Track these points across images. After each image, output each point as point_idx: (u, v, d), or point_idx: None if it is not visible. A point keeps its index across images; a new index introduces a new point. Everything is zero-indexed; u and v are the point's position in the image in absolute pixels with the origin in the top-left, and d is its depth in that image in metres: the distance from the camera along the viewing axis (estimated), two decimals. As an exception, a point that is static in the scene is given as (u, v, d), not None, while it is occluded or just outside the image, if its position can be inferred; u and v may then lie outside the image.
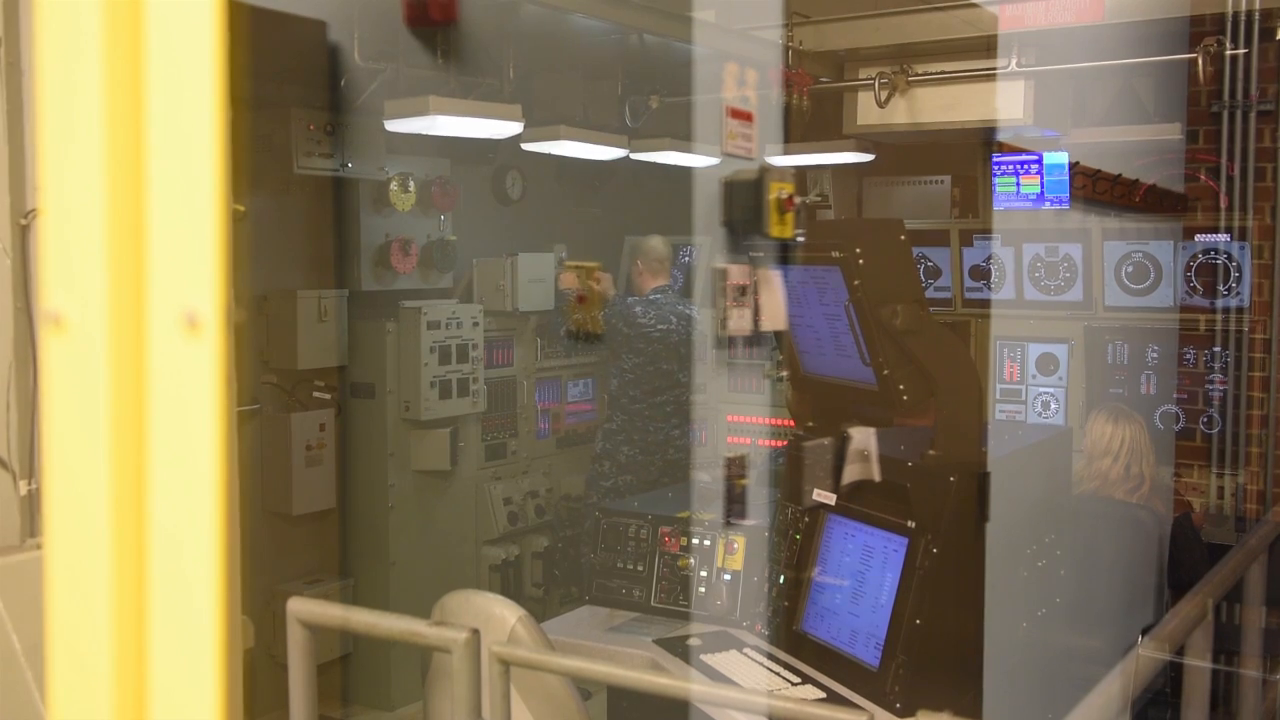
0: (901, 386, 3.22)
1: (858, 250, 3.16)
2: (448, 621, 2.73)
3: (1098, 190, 4.66)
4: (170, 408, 0.76)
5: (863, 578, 3.35)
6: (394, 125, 4.26)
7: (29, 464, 2.89)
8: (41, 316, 0.76)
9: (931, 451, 3.23)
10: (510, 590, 6.15)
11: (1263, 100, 4.83)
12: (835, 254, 3.21)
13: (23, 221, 2.85)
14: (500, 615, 2.71)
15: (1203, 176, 5.48)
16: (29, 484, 2.88)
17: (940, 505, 3.14)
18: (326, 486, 5.52)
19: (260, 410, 5.39)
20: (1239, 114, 4.87)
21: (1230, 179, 5.42)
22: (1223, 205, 5.50)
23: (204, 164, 0.75)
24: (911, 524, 3.20)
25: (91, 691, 0.77)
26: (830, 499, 3.56)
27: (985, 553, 3.22)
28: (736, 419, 6.81)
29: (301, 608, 2.51)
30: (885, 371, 3.22)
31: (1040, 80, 4.44)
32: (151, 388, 0.76)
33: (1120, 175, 4.86)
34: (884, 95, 4.52)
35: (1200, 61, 3.89)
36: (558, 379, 6.69)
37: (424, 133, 4.54)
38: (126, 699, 0.77)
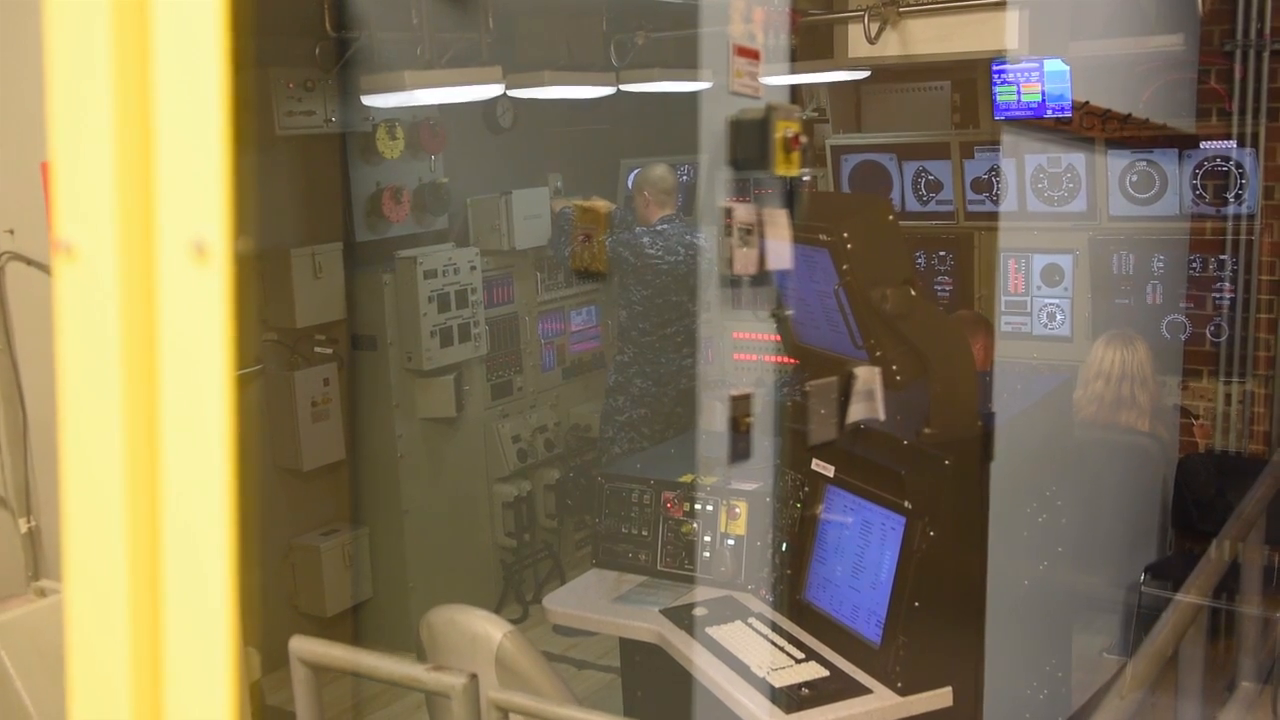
0: (895, 367, 3.20)
1: (845, 234, 3.10)
2: (437, 643, 2.77)
3: (1107, 129, 4.53)
4: (180, 333, 0.78)
5: (862, 553, 3.37)
6: (371, 100, 4.16)
7: (25, 501, 2.91)
8: (54, 246, 0.78)
9: (927, 430, 3.22)
10: (524, 524, 6.23)
11: (1276, 40, 4.66)
12: (823, 237, 3.15)
13: (-3, 264, 2.82)
14: (486, 633, 2.73)
15: (1213, 82, 5.32)
16: (28, 521, 2.91)
17: (937, 489, 3.14)
18: (335, 440, 5.56)
19: (264, 369, 5.40)
20: (1251, 53, 4.71)
21: (1243, 83, 5.26)
22: (1231, 110, 5.36)
23: (210, 94, 0.76)
24: (908, 504, 3.20)
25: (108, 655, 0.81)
26: (829, 470, 3.57)
27: (986, 529, 3.23)
28: (742, 335, 6.79)
29: (306, 647, 2.54)
30: (878, 353, 3.20)
31: (1035, 6, 4.28)
32: (161, 314, 0.78)
33: (1130, 115, 4.74)
34: (874, 29, 4.38)
35: (1200, -11, 3.74)
36: (560, 309, 6.67)
37: (404, 105, 4.44)
38: (141, 653, 0.80)
